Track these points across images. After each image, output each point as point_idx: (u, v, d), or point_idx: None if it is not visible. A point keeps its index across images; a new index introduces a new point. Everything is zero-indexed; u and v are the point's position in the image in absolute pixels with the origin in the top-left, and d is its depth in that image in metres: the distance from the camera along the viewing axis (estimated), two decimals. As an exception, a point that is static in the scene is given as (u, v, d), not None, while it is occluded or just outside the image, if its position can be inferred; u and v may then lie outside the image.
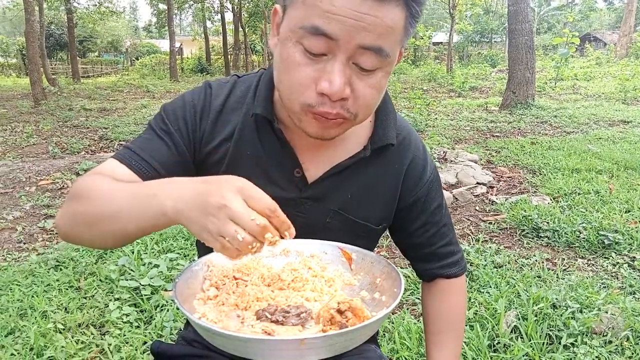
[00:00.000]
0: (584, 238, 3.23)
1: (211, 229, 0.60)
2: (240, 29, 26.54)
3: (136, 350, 2.08)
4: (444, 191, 4.23)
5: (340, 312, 0.68)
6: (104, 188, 0.73)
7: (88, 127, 8.22)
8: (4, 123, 8.58)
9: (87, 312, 2.37)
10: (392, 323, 2.23)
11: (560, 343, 2.04)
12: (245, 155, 0.87)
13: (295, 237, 0.88)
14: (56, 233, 3.56)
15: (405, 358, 1.98)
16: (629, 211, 3.73)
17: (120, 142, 6.90)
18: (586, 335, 2.08)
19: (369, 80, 0.72)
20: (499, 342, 2.07)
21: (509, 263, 2.92)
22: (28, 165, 5.51)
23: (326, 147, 0.88)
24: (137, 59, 36.70)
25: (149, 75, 23.94)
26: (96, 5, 23.94)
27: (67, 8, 20.22)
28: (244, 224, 0.59)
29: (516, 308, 2.30)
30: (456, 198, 4.23)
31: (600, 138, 6.76)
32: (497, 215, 3.83)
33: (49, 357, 2.04)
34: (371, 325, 0.64)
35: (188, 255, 2.93)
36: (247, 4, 26.73)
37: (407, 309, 2.42)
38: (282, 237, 0.63)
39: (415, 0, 0.68)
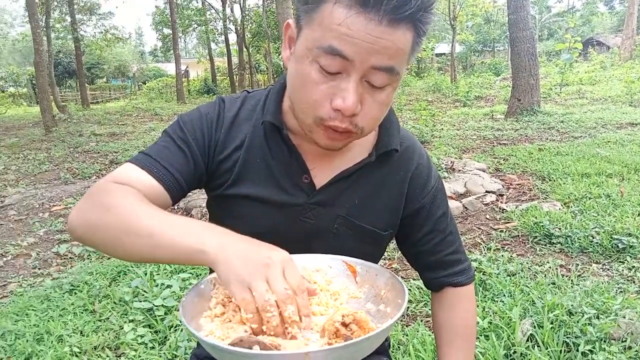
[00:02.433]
0: (597, 243, 3.20)
1: (244, 278, 0.62)
2: (244, 49, 26.87)
3: (152, 371, 2.09)
4: (454, 201, 4.24)
5: (345, 324, 0.69)
6: (137, 205, 0.73)
7: (98, 152, 8.33)
8: (16, 151, 8.73)
9: (103, 335, 2.39)
10: (407, 335, 2.22)
11: (578, 350, 2.01)
12: (255, 162, 0.90)
13: (304, 244, 0.89)
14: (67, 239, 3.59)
15: (421, 370, 1.97)
16: (642, 214, 3.69)
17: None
18: (604, 342, 2.05)
19: (378, 96, 0.76)
20: (515, 352, 2.04)
21: (522, 271, 2.90)
22: (41, 191, 5.59)
23: (333, 154, 0.91)
24: (145, 83, 37.19)
25: (157, 99, 24.22)
26: (102, 32, 24.40)
27: (74, 37, 20.59)
28: (275, 287, 0.62)
29: (531, 316, 2.28)
30: (466, 207, 4.21)
31: (608, 141, 6.72)
32: (508, 223, 3.81)
33: (66, 381, 2.05)
34: (375, 337, 0.64)
35: (200, 274, 2.95)
36: (250, 25, 27.09)
37: (422, 320, 2.41)
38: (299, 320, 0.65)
39: (422, 22, 0.72)
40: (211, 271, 1.04)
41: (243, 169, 0.90)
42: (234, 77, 27.27)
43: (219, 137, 0.90)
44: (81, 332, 2.42)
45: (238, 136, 0.91)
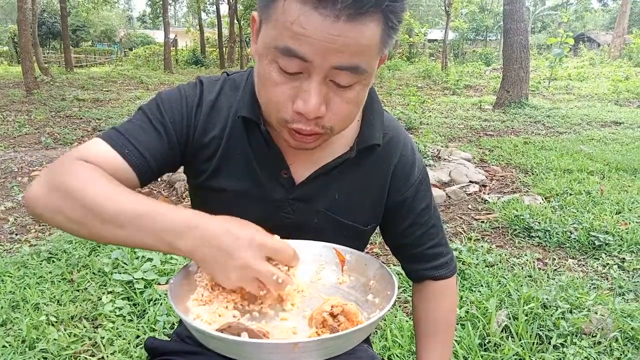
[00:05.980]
0: (575, 238, 3.27)
1: (233, 279, 0.68)
2: (236, 22, 26.37)
3: (129, 344, 2.08)
4: (437, 189, 4.27)
5: (332, 315, 0.69)
6: (104, 189, 0.70)
7: (81, 118, 8.16)
8: (-5, 112, 8.50)
9: (80, 305, 2.37)
10: (385, 320, 2.25)
11: (550, 343, 2.06)
12: (235, 154, 0.87)
13: (287, 238, 0.89)
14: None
15: (397, 356, 2.00)
16: (620, 212, 3.77)
17: (114, 134, 6.84)
18: (576, 336, 2.11)
19: (345, 95, 0.71)
20: (489, 341, 2.09)
21: (500, 262, 2.95)
22: (20, 155, 5.46)
23: (313, 149, 0.88)
24: (131, 50, 36.39)
25: (143, 66, 23.72)
26: (90, -7, 23.65)
27: (61, -4, 19.93)
28: (267, 282, 0.68)
29: (507, 307, 2.32)
30: (449, 196, 4.25)
31: (592, 139, 6.81)
32: (490, 214, 3.86)
33: (41, 349, 2.03)
34: (364, 329, 0.65)
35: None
36: (243, -3, 26.55)
37: (400, 306, 2.44)
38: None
39: (393, 12, 0.66)
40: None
41: (222, 161, 0.87)
42: (224, 49, 26.83)
43: (198, 122, 0.86)
44: (58, 302, 2.40)
45: (217, 124, 0.86)
